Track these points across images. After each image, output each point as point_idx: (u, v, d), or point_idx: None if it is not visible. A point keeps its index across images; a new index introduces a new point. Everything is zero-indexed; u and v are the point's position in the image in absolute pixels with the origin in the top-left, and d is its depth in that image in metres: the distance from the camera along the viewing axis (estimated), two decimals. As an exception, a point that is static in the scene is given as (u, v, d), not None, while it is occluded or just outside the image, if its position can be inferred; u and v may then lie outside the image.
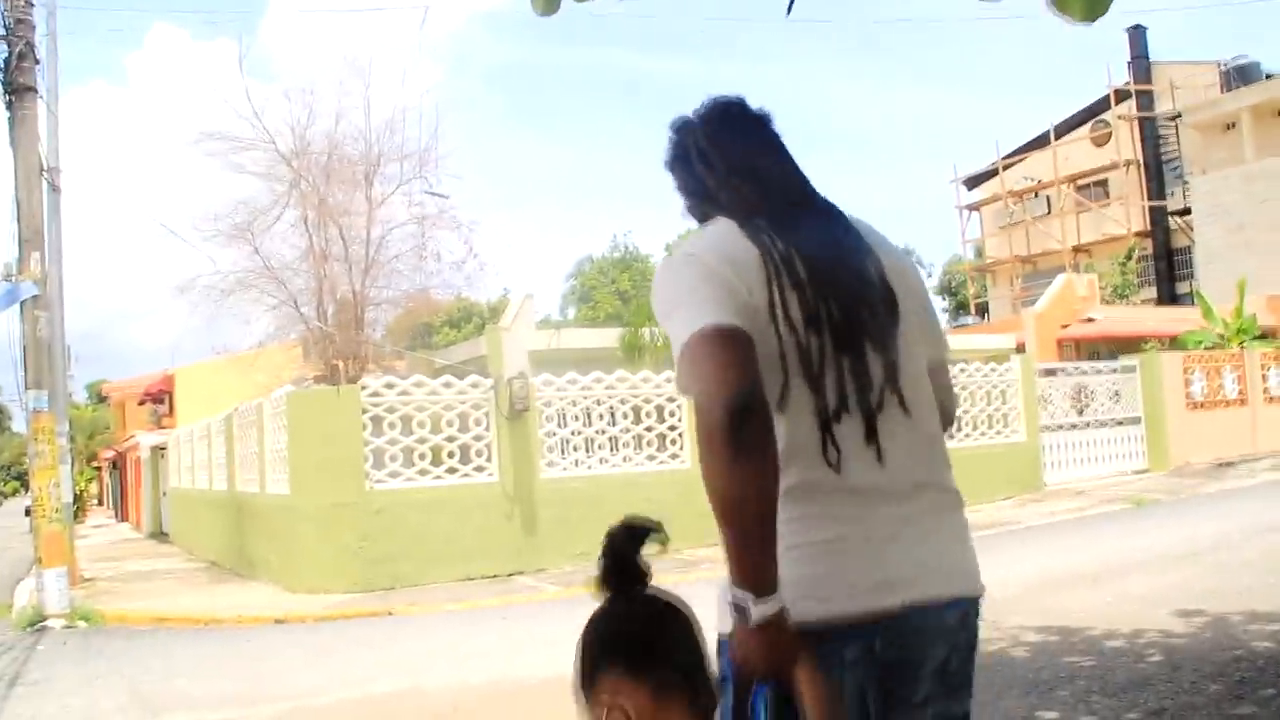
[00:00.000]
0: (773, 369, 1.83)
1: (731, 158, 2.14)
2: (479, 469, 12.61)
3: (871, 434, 1.90)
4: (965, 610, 1.98)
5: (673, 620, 1.69)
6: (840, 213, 2.15)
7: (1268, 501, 13.49)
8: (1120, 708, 4.80)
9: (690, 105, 2.21)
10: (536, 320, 22.64)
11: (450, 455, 12.45)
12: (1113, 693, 5.04)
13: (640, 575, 1.71)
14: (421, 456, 12.30)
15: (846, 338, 1.92)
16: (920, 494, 1.95)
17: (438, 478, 12.34)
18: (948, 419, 2.20)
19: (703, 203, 2.18)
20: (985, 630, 5.72)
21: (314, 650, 8.56)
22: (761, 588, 1.69)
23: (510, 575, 12.21)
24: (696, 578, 11.23)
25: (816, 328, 1.89)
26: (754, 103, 2.24)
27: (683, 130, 2.21)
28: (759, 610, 1.68)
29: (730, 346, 1.74)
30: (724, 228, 2.01)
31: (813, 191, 2.18)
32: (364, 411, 12.04)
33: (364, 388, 12.38)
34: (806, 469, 1.85)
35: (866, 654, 1.81)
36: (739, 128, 2.18)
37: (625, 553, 1.72)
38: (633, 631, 1.68)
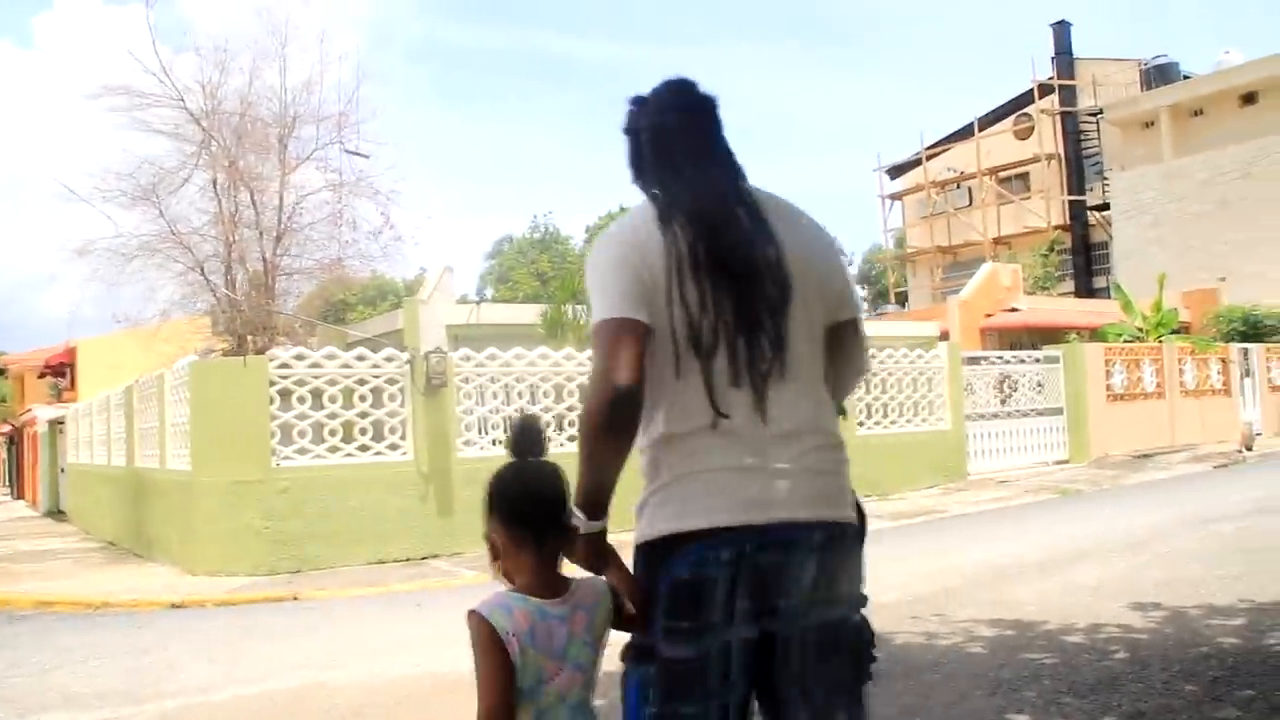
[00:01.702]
0: (668, 341, 2.27)
1: (660, 141, 2.44)
2: (393, 447, 12.03)
3: (760, 396, 2.29)
4: (830, 533, 2.32)
5: (538, 483, 2.28)
6: (753, 200, 2.42)
7: (1191, 493, 13.47)
8: (1094, 710, 4.48)
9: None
10: (454, 299, 22.07)
11: (363, 432, 11.86)
12: (1083, 694, 4.72)
13: (531, 450, 2.31)
14: (332, 433, 11.68)
15: (737, 316, 2.30)
16: (799, 439, 2.32)
17: (349, 455, 11.73)
18: (859, 372, 2.61)
19: (638, 176, 2.50)
20: (937, 625, 5.35)
21: (211, 639, 7.84)
22: (592, 514, 2.27)
23: (424, 559, 11.68)
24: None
25: (708, 309, 2.27)
26: (697, 83, 2.53)
27: (633, 106, 2.52)
28: (587, 527, 2.27)
29: (621, 344, 2.20)
30: (640, 214, 2.38)
31: (731, 178, 2.46)
32: (271, 384, 11.38)
33: (272, 359, 11.71)
34: (702, 417, 2.27)
35: (738, 556, 2.22)
36: (675, 110, 2.47)
37: (522, 432, 2.33)
38: (505, 488, 2.29)
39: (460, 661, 6.17)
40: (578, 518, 2.27)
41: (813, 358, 2.42)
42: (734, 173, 2.48)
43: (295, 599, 9.58)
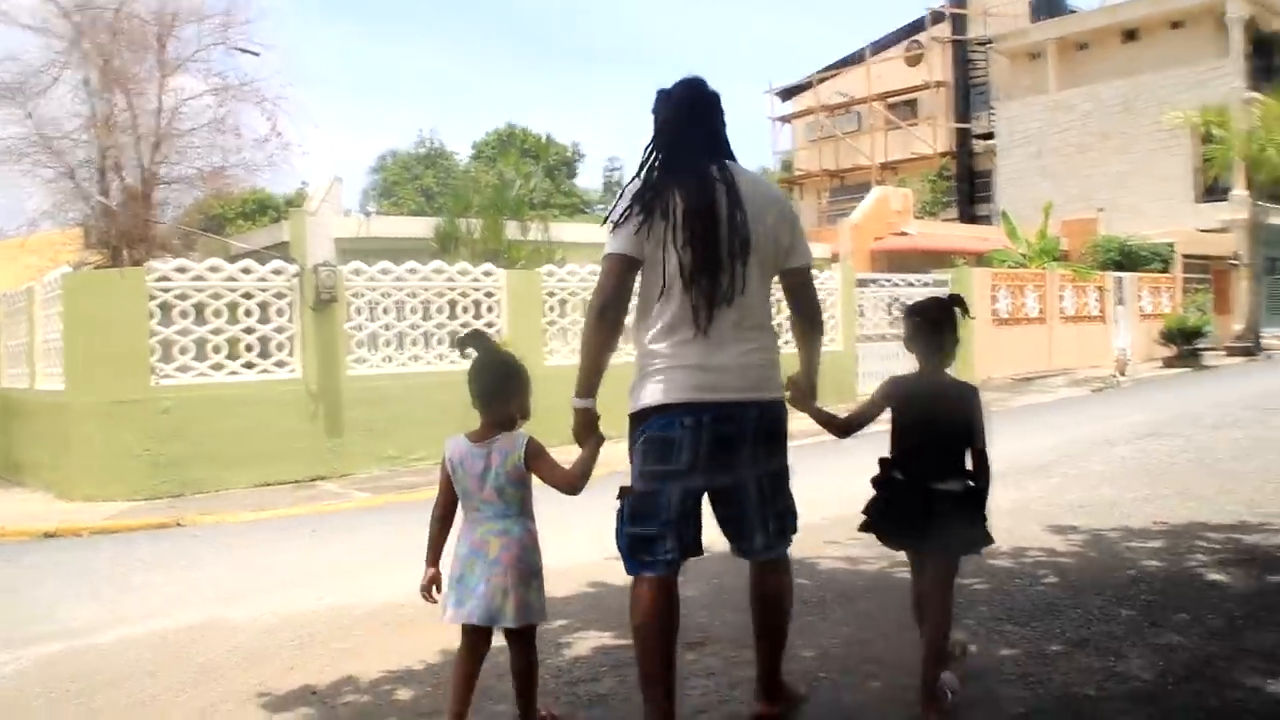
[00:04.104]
0: (658, 276, 3.34)
1: (668, 127, 3.50)
2: (280, 364, 11.51)
3: (718, 317, 3.33)
4: (761, 407, 3.42)
5: (478, 370, 3.51)
6: (731, 177, 3.42)
7: (1077, 416, 13.79)
8: (1037, 638, 4.40)
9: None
10: (342, 212, 21.24)
11: (249, 349, 11.30)
12: (1023, 621, 4.64)
13: (475, 348, 3.52)
14: (216, 349, 11.10)
15: (708, 259, 3.32)
16: (743, 346, 3.38)
17: (234, 373, 11.18)
18: (811, 317, 3.66)
19: (652, 152, 3.51)
20: (859, 549, 5.17)
21: (91, 572, 7.23)
22: (582, 393, 3.39)
23: (314, 480, 11.26)
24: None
25: (690, 251, 3.31)
26: (705, 82, 3.64)
27: (656, 98, 3.58)
28: (577, 403, 3.39)
29: (614, 271, 3.36)
30: (650, 177, 3.44)
31: (718, 157, 3.48)
32: (151, 298, 10.73)
33: (151, 271, 11.01)
34: (677, 331, 3.35)
35: (697, 424, 3.32)
36: (682, 105, 3.52)
37: (472, 337, 3.55)
38: (469, 374, 3.52)
39: (364, 593, 5.91)
40: (574, 397, 3.42)
41: (761, 293, 3.49)
42: (722, 155, 3.51)
43: (179, 525, 9.09)
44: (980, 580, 5.29)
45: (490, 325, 12.95)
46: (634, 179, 3.49)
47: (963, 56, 40.03)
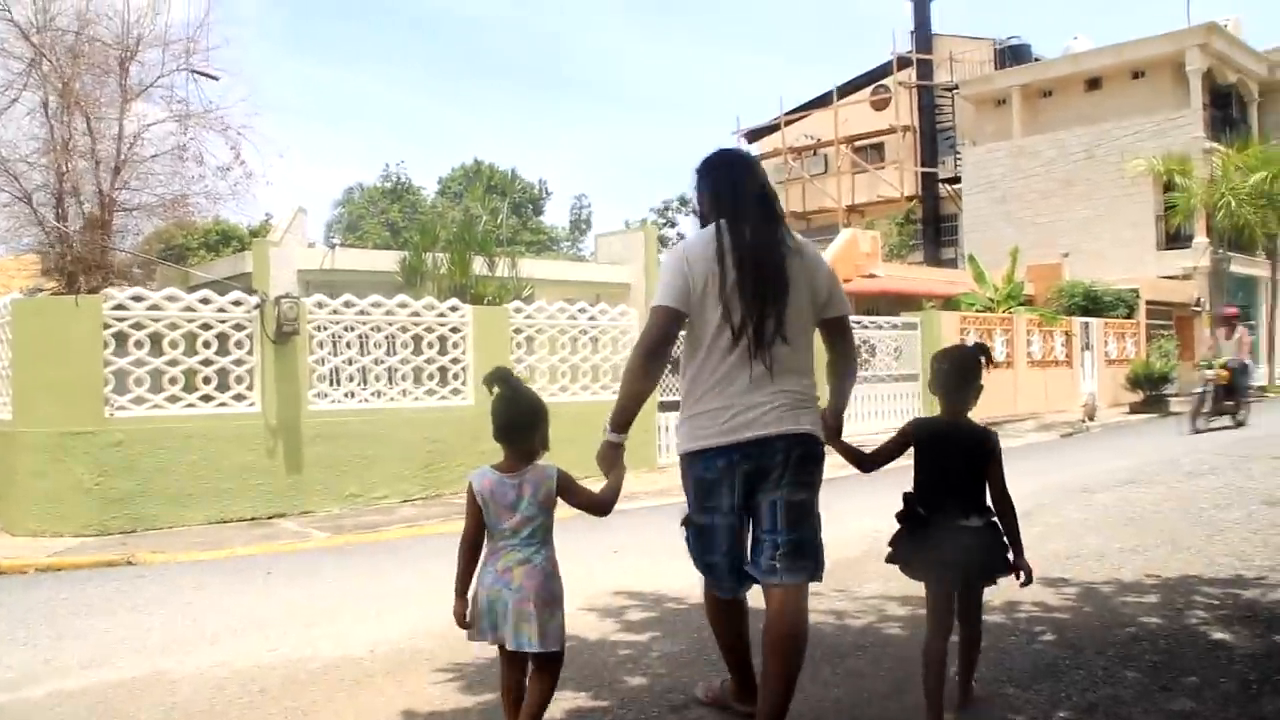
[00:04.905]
0: (711, 319, 3.68)
1: (716, 190, 3.90)
2: (239, 398, 11.13)
3: (764, 358, 3.66)
4: (789, 441, 3.67)
5: (503, 406, 3.66)
6: (776, 227, 3.82)
7: (1050, 462, 13.60)
8: (1043, 703, 4.15)
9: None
10: (307, 244, 20.91)
11: (206, 381, 10.92)
12: (1024, 683, 4.39)
13: (500, 384, 3.69)
14: (173, 381, 10.71)
15: (755, 304, 3.65)
16: (782, 393, 3.67)
17: (190, 405, 10.79)
18: (847, 361, 4.00)
19: (703, 216, 3.93)
20: (845, 602, 4.92)
21: (31, 615, 6.76)
22: (618, 428, 3.75)
23: (271, 518, 10.85)
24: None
25: (741, 304, 3.65)
26: (736, 149, 4.51)
27: (696, 173, 4.02)
28: (613, 437, 3.75)
29: (661, 321, 3.70)
30: (701, 237, 3.81)
31: (765, 213, 3.82)
32: (106, 326, 10.34)
33: (106, 299, 10.63)
34: (719, 376, 3.69)
35: (729, 465, 3.66)
36: (724, 170, 3.96)
37: (498, 374, 3.70)
38: (494, 411, 3.67)
39: (321, 644, 5.51)
40: (608, 429, 3.75)
41: (802, 342, 3.78)
42: (770, 214, 3.85)
43: (130, 563, 8.67)
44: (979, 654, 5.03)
45: (456, 361, 12.66)
46: (690, 236, 4.05)
47: (929, 102, 40.38)
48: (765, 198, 3.87)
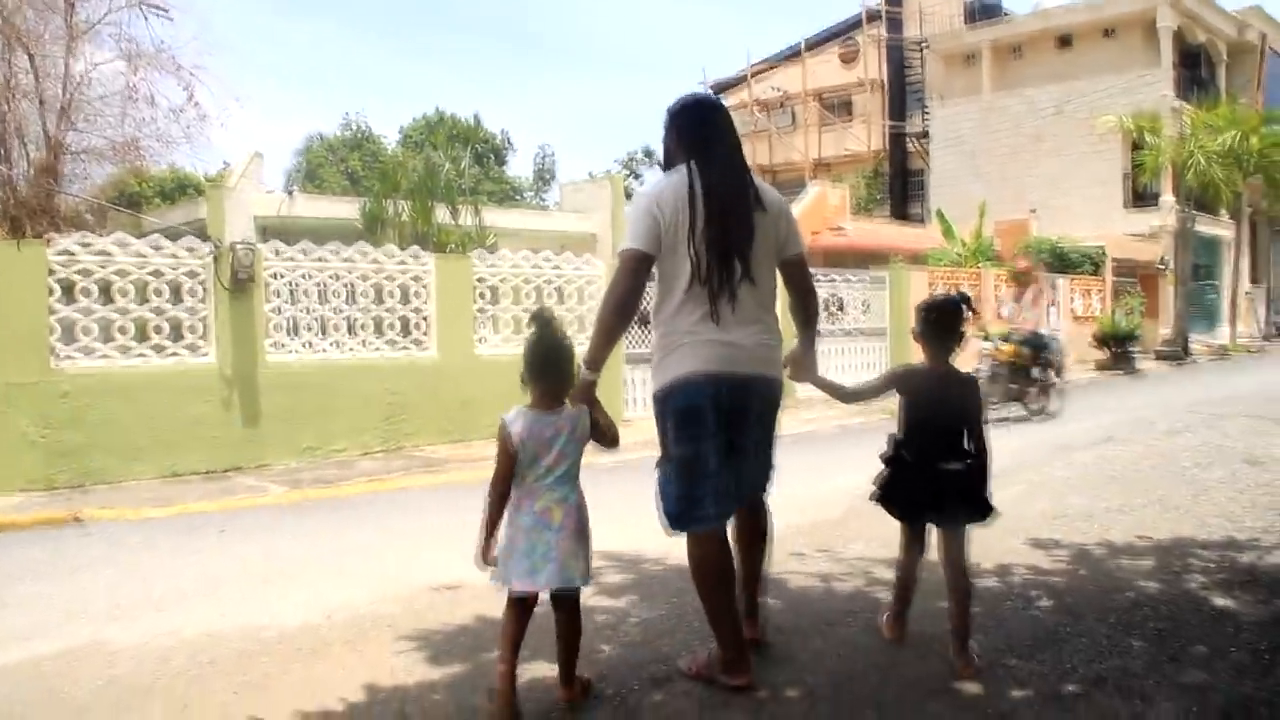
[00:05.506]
0: (682, 260, 3.81)
1: (684, 135, 4.03)
2: (193, 348, 10.69)
3: (732, 298, 3.84)
4: (766, 382, 3.95)
5: (548, 352, 3.73)
6: (742, 173, 4.00)
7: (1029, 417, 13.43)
8: (1048, 674, 3.91)
9: None
10: (264, 190, 20.34)
11: (159, 331, 10.47)
12: (1026, 654, 4.14)
13: (548, 328, 3.75)
14: (123, 331, 10.26)
15: (724, 247, 3.84)
16: (754, 328, 3.89)
17: (142, 356, 10.34)
18: (807, 299, 4.21)
19: (669, 160, 4.10)
20: (829, 564, 4.64)
21: None
22: (593, 367, 3.83)
23: (227, 472, 10.46)
24: (446, 480, 9.99)
25: (707, 240, 3.81)
26: (707, 94, 4.95)
27: (668, 114, 4.13)
28: (588, 375, 3.80)
29: (631, 266, 3.84)
30: (672, 177, 3.94)
31: (731, 159, 3.99)
32: (51, 273, 9.85)
33: (52, 244, 10.14)
34: (698, 314, 3.82)
35: (717, 393, 3.80)
36: (693, 116, 4.10)
37: (541, 315, 3.79)
38: (534, 350, 3.73)
39: (277, 610, 5.08)
40: (582, 369, 3.79)
41: (767, 282, 3.98)
42: (735, 159, 4.01)
43: (77, 519, 8.27)
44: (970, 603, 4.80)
45: (418, 311, 12.27)
46: (657, 180, 4.10)
47: (898, 57, 40.02)
48: (735, 143, 4.07)
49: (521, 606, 3.68)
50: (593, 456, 3.88)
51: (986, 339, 13.58)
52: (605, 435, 3.81)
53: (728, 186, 3.89)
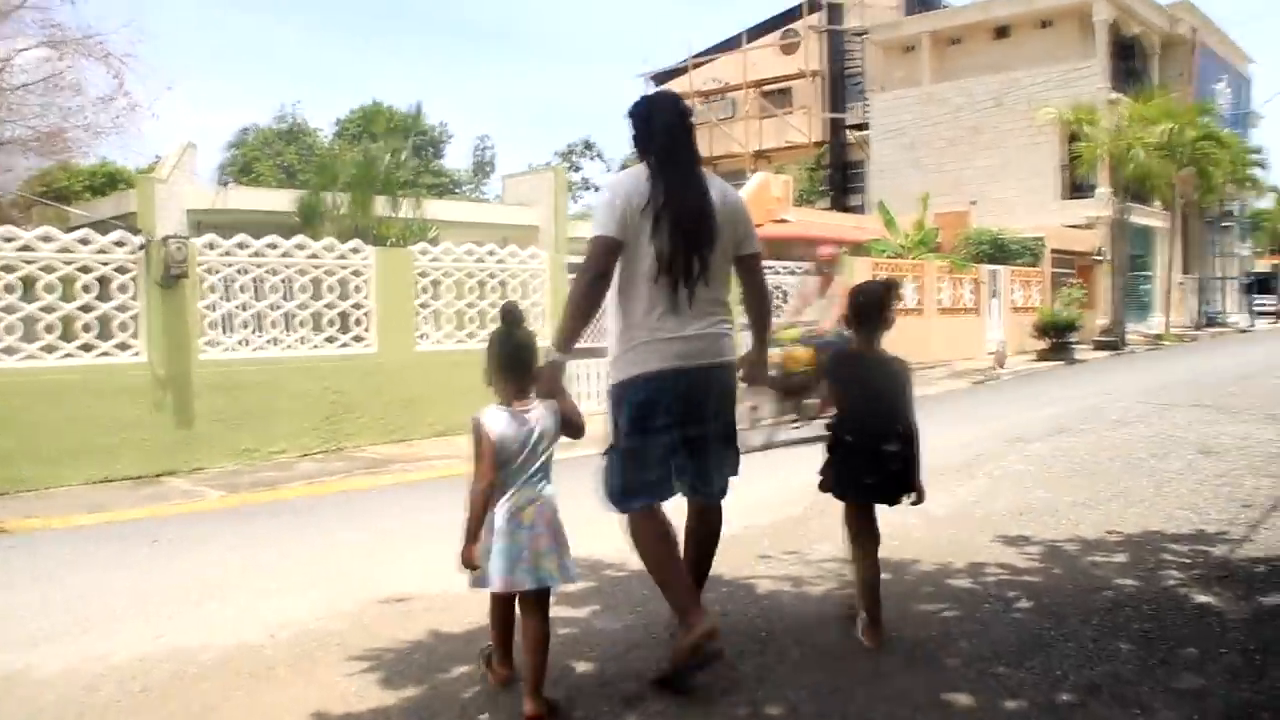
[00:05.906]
0: (644, 255, 3.91)
1: (649, 134, 4.09)
2: (122, 346, 10.25)
3: (690, 294, 3.94)
4: (722, 368, 4.09)
5: (518, 347, 3.74)
6: (699, 173, 4.08)
7: (973, 410, 13.44)
8: (1039, 682, 3.74)
9: None
10: (197, 182, 19.74)
11: (86, 329, 10.02)
12: (1014, 661, 3.96)
13: (516, 323, 3.80)
14: (49, 329, 9.80)
15: (684, 245, 3.92)
16: (710, 320, 4.00)
17: (69, 355, 9.89)
18: (761, 299, 4.34)
19: (638, 155, 4.13)
20: (798, 567, 4.47)
21: None
22: (563, 348, 3.88)
23: (160, 476, 10.04)
24: (390, 481, 9.67)
25: (674, 240, 3.90)
26: (669, 92, 4.89)
27: (631, 111, 4.18)
28: (553, 357, 3.85)
29: (600, 251, 3.89)
30: (634, 173, 4.04)
31: (691, 158, 4.09)
32: (-32, 269, 9.41)
33: (-30, 239, 9.66)
34: (658, 309, 3.93)
35: (675, 387, 3.93)
36: (675, 116, 4.15)
37: (509, 310, 3.83)
38: (503, 346, 3.75)
39: (215, 629, 4.68)
40: (551, 351, 3.87)
41: (723, 276, 4.09)
42: (696, 159, 4.10)
43: (1, 530, 7.87)
44: (948, 605, 4.63)
45: (358, 306, 11.92)
46: (624, 171, 4.29)
47: (838, 47, 40.06)
48: (695, 142, 4.17)
49: (507, 604, 3.75)
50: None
51: (778, 345, 10.27)
52: (571, 425, 3.82)
53: (688, 184, 4.00)
